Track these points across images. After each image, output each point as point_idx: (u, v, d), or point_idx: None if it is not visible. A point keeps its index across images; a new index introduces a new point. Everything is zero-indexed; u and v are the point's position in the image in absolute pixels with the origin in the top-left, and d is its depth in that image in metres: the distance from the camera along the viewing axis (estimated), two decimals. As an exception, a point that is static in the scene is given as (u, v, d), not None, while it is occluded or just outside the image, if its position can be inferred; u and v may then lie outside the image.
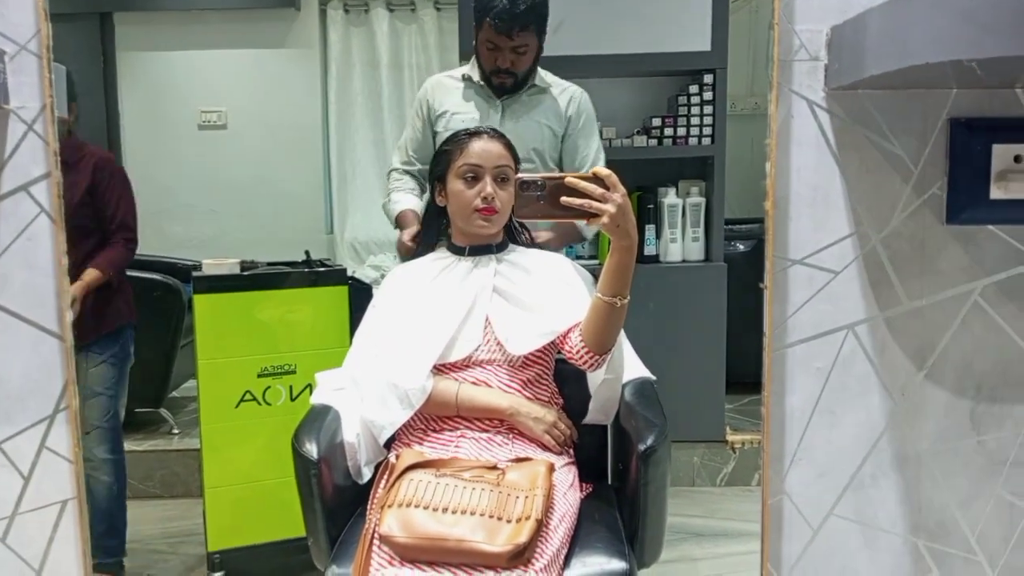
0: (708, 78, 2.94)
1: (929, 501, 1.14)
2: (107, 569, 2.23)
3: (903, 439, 1.13)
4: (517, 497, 1.36)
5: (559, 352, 1.66)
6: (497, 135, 1.69)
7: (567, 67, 2.64)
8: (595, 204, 1.34)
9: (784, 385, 1.11)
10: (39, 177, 1.06)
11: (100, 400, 2.24)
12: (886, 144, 1.09)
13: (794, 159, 1.09)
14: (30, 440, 1.07)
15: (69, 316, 1.06)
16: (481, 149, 1.64)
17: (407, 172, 2.35)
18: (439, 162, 1.71)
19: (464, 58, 2.79)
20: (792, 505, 1.14)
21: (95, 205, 2.21)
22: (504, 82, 2.19)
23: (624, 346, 1.74)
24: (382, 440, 1.60)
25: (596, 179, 1.34)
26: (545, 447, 1.60)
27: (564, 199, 1.33)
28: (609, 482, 1.81)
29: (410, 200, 2.27)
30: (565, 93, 2.29)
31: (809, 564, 1.14)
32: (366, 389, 1.64)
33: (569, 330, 1.60)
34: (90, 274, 2.18)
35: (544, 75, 2.29)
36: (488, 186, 1.63)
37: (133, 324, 2.35)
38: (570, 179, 1.33)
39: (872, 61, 0.93)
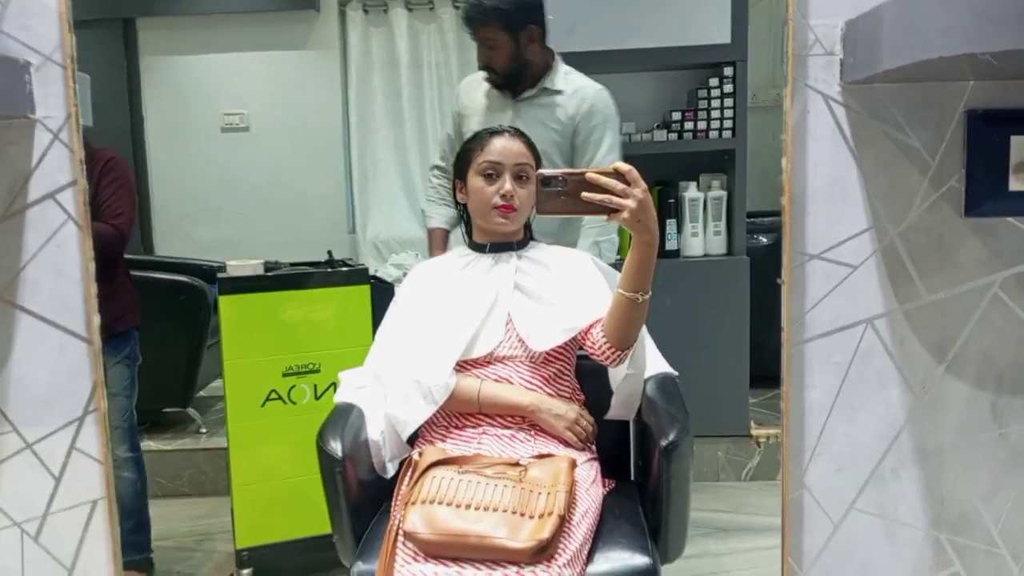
0: (728, 71, 2.92)
1: (951, 494, 1.13)
2: (136, 565, 2.26)
3: (923, 433, 1.12)
4: (539, 493, 1.37)
5: (580, 348, 1.66)
6: (518, 134, 1.69)
7: (586, 63, 2.63)
8: (615, 200, 1.34)
9: (803, 380, 1.11)
10: (65, 185, 1.08)
11: (118, 401, 2.24)
12: (903, 137, 1.09)
13: (810, 154, 1.08)
14: (61, 441, 1.09)
15: (96, 320, 1.08)
16: (501, 147, 1.65)
17: (444, 172, 2.39)
18: (460, 159, 1.72)
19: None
20: (812, 499, 1.14)
21: (97, 202, 2.18)
22: (491, 78, 2.22)
23: (646, 341, 1.74)
24: (405, 436, 1.61)
25: (617, 174, 1.34)
26: (567, 443, 1.61)
27: (585, 194, 1.33)
28: (632, 478, 1.81)
29: (442, 215, 2.36)
30: (577, 95, 2.25)
31: (830, 558, 1.14)
32: (390, 386, 1.65)
33: (591, 326, 1.60)
34: None
35: (560, 77, 2.26)
36: (507, 183, 1.63)
37: (138, 327, 2.33)
38: (590, 174, 1.33)
39: (887, 55, 0.93)
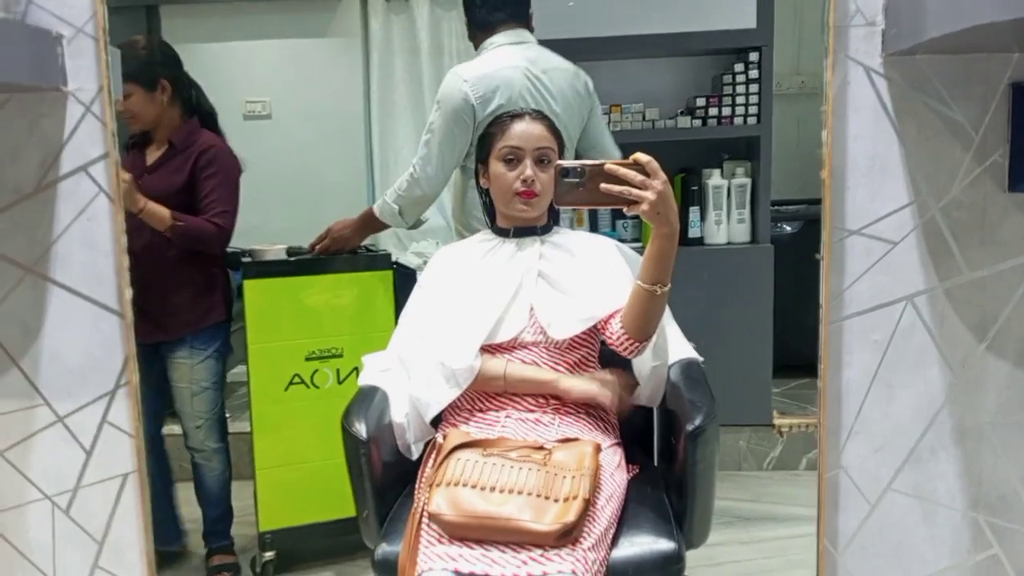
0: (754, 56, 2.89)
1: (990, 475, 1.11)
2: (224, 550, 2.30)
3: (963, 412, 1.10)
4: (564, 477, 1.36)
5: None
6: (540, 117, 1.67)
7: (609, 47, 2.62)
8: (635, 191, 1.33)
9: (841, 358, 1.09)
10: (97, 158, 1.08)
11: (209, 394, 2.27)
12: (946, 110, 1.06)
13: (851, 127, 1.06)
14: (92, 415, 1.09)
15: (128, 294, 1.08)
16: (521, 131, 1.63)
17: None
18: (482, 145, 1.71)
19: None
20: (849, 480, 1.12)
21: (194, 192, 2.12)
22: None
23: (670, 328, 1.72)
24: (428, 417, 1.61)
25: (636, 165, 1.33)
26: (592, 427, 1.60)
27: (604, 186, 1.32)
28: (655, 463, 1.80)
29: None
30: None
31: (866, 539, 1.12)
32: (413, 368, 1.65)
33: (610, 316, 1.59)
34: (159, 209, 2.02)
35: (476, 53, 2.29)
36: (528, 168, 1.62)
37: (229, 319, 2.31)
38: (609, 166, 1.32)
39: (932, 23, 0.91)
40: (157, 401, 2.24)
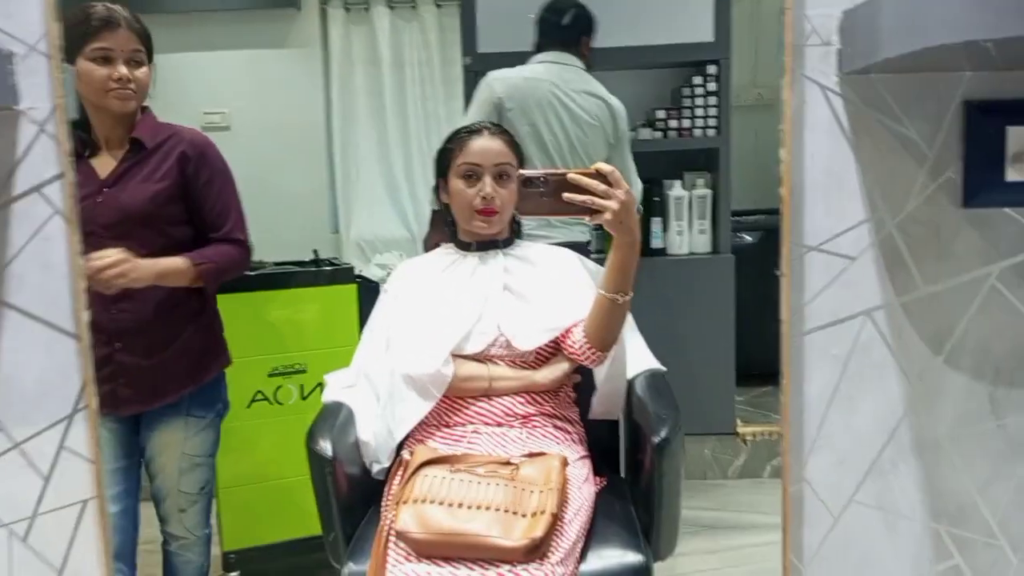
0: (712, 69, 2.94)
1: (949, 486, 1.13)
2: None
3: (922, 425, 1.12)
4: (532, 492, 1.37)
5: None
6: (498, 131, 1.68)
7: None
8: (598, 200, 1.34)
9: (802, 373, 1.10)
10: (52, 178, 1.05)
11: (201, 471, 1.86)
12: (900, 128, 1.08)
13: (808, 145, 1.08)
14: (49, 440, 1.07)
15: (85, 316, 1.05)
16: (480, 147, 1.64)
17: None
18: (441, 160, 1.71)
19: (466, 53, 2.84)
20: (812, 493, 1.13)
21: (186, 204, 1.72)
22: None
23: (634, 339, 1.73)
24: (400, 435, 1.60)
25: (599, 175, 1.35)
26: (560, 440, 1.60)
27: (566, 195, 1.33)
28: (622, 475, 1.81)
29: None
30: None
31: (830, 552, 1.13)
32: (381, 386, 1.64)
33: (572, 326, 1.60)
34: (174, 262, 1.62)
35: None
36: (487, 186, 1.62)
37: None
38: (572, 175, 1.34)
39: (887, 44, 0.93)
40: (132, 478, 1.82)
